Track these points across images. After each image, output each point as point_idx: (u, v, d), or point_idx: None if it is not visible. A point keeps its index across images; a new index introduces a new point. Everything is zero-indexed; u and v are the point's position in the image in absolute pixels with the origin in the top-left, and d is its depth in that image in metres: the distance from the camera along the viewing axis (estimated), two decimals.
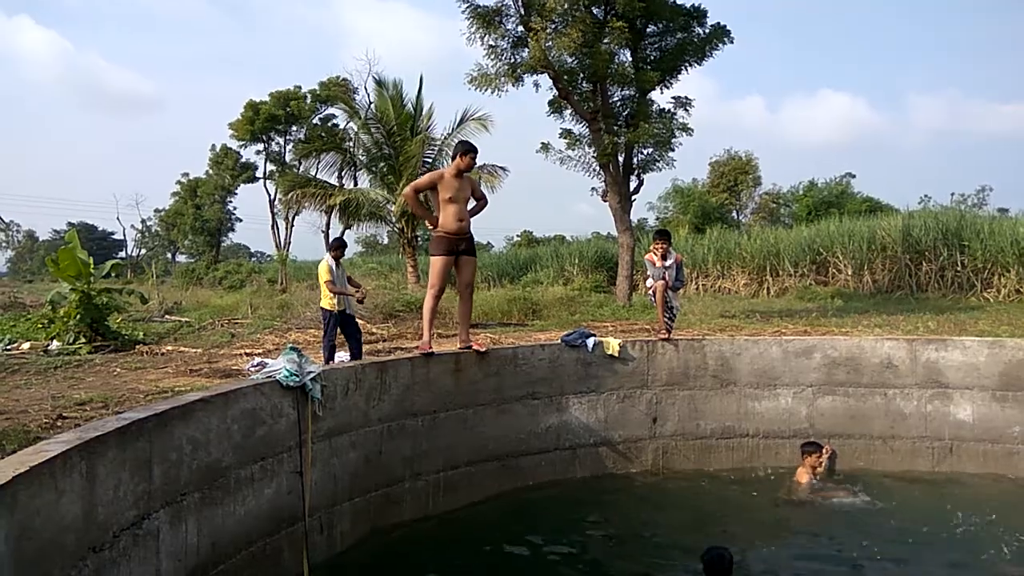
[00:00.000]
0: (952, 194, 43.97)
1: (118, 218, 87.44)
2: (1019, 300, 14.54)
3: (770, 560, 5.13)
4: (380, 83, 19.55)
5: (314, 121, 40.23)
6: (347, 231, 24.78)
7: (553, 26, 12.39)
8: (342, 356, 7.96)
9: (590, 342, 6.79)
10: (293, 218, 36.89)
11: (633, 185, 14.33)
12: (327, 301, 7.85)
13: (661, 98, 17.36)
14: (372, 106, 20.34)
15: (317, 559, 4.76)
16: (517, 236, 44.39)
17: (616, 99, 14.23)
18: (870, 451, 6.96)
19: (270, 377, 4.61)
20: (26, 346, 9.89)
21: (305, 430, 4.70)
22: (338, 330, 7.94)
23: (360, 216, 19.70)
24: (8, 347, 9.84)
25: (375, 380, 5.41)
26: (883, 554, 5.13)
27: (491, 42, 13.17)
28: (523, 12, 12.97)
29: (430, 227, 6.16)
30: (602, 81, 13.55)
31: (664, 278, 7.15)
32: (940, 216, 17.85)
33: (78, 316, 10.11)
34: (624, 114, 14.12)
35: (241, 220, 52.64)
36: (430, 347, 5.97)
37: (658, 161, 14.20)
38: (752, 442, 7.04)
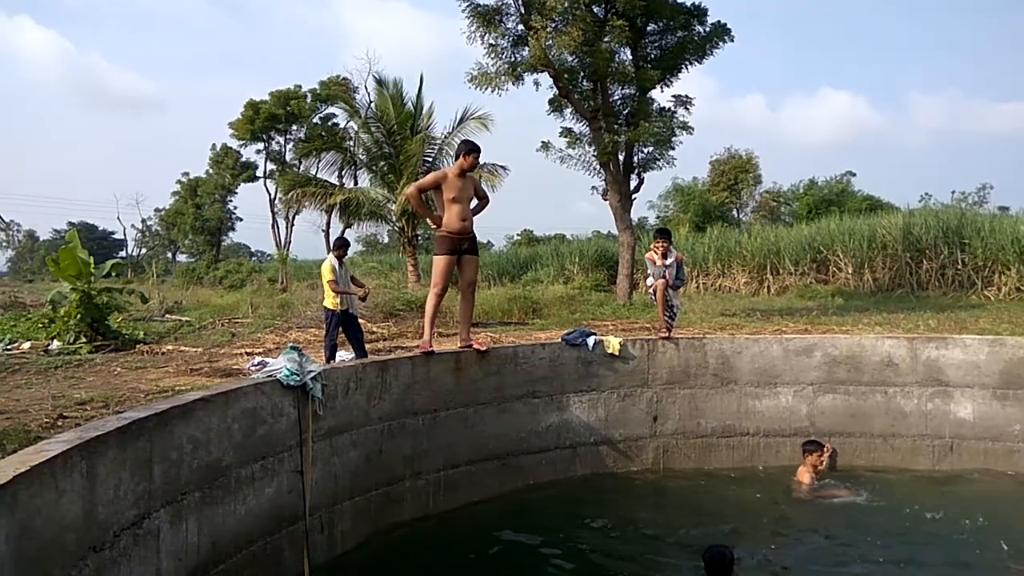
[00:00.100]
0: (953, 192, 44.07)
1: (118, 218, 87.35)
2: (1020, 298, 14.52)
3: (771, 559, 5.12)
4: (380, 82, 19.52)
5: (314, 120, 40.28)
6: (347, 230, 24.75)
7: (553, 25, 12.37)
8: (343, 355, 7.96)
9: (590, 341, 6.79)
10: (293, 217, 36.96)
11: (633, 184, 14.35)
12: (330, 300, 7.85)
13: (661, 96, 17.42)
14: (372, 105, 20.30)
15: (318, 558, 4.76)
16: (517, 235, 44.44)
17: (616, 98, 14.25)
18: (871, 449, 6.96)
19: (271, 376, 4.60)
20: (26, 346, 9.89)
21: (306, 429, 4.70)
22: (339, 330, 7.94)
23: (360, 215, 19.67)
24: (8, 347, 9.84)
25: (376, 379, 5.41)
26: (884, 552, 5.13)
27: (491, 41, 13.18)
28: (523, 11, 12.96)
29: (432, 226, 6.16)
30: (602, 80, 13.55)
31: (664, 277, 7.15)
32: (941, 214, 17.82)
33: (78, 316, 10.11)
34: (624, 113, 14.13)
35: (241, 219, 52.75)
36: (431, 346, 5.97)
37: (658, 160, 14.24)
38: (753, 441, 7.04)
